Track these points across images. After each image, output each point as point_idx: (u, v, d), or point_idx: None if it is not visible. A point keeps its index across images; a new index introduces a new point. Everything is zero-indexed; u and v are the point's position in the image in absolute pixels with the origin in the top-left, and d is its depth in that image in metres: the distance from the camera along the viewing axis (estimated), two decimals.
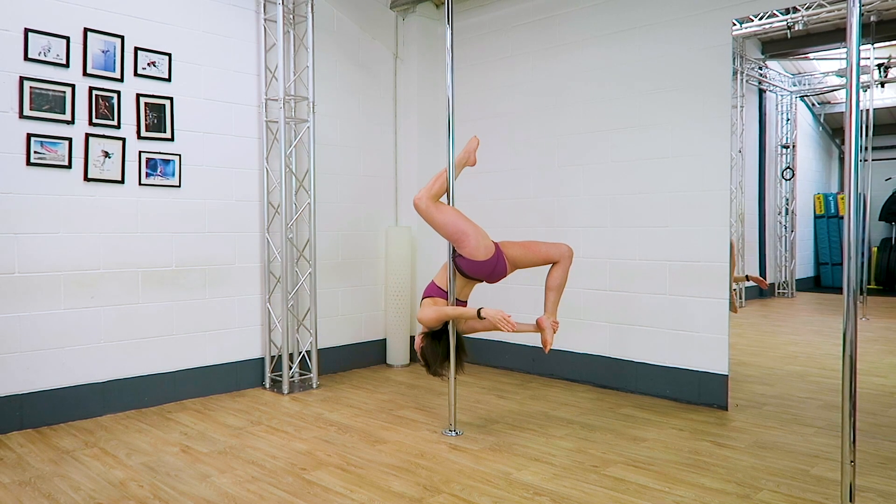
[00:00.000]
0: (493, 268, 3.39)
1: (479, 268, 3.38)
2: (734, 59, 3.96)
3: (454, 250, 3.42)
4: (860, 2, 2.17)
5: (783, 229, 5.38)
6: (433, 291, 3.50)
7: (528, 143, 4.87)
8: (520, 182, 4.92)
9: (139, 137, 3.93)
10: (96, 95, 3.76)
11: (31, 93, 3.53)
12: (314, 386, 4.51)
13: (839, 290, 2.22)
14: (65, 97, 3.64)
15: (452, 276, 3.43)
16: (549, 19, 4.73)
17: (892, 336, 5.43)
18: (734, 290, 4.67)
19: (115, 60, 3.83)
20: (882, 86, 4.86)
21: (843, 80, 5.14)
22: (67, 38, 3.65)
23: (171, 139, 4.07)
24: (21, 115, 3.51)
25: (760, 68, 5.08)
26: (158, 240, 4.03)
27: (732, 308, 4.09)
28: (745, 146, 4.86)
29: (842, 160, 5.70)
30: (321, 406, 4.05)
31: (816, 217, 5.82)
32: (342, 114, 5.03)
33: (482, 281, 3.51)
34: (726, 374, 3.89)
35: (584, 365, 4.56)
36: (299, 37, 4.61)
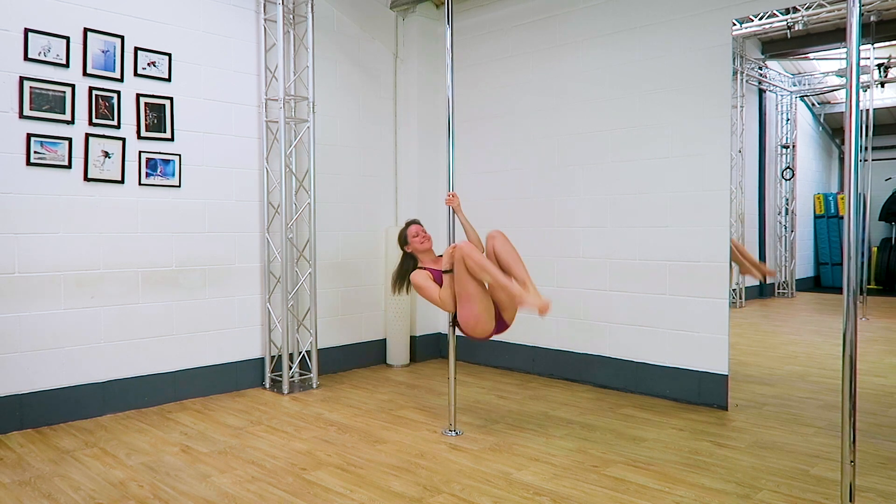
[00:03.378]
0: (497, 333, 3.50)
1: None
2: (734, 59, 3.96)
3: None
4: (860, 2, 2.17)
5: (783, 229, 5.38)
6: (435, 272, 3.58)
7: (528, 143, 4.87)
8: (520, 182, 4.92)
9: (139, 137, 3.93)
10: (96, 95, 3.76)
11: (31, 93, 3.53)
12: (314, 386, 4.51)
13: (839, 290, 2.22)
14: (65, 97, 3.64)
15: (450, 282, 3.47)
16: (549, 19, 4.73)
17: (892, 336, 5.43)
18: (734, 288, 4.67)
19: (115, 60, 3.83)
20: (882, 86, 4.86)
21: (843, 80, 5.14)
22: (67, 38, 3.65)
23: (171, 139, 4.07)
24: (21, 115, 3.51)
25: (760, 68, 5.08)
26: (158, 240, 4.03)
27: (763, 276, 4.10)
28: (745, 146, 4.86)
29: (842, 160, 5.70)
30: (321, 406, 4.05)
31: (816, 217, 5.82)
32: (342, 114, 5.03)
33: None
34: (726, 374, 3.89)
35: (584, 365, 4.56)
36: (299, 37, 4.61)
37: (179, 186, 4.11)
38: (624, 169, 4.33)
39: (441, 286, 3.48)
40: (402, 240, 3.73)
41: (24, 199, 3.54)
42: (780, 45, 4.64)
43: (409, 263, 3.72)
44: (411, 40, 5.37)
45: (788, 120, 5.30)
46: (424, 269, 3.62)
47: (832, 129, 5.73)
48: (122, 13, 3.86)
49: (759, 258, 5.28)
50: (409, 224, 3.76)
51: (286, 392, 4.34)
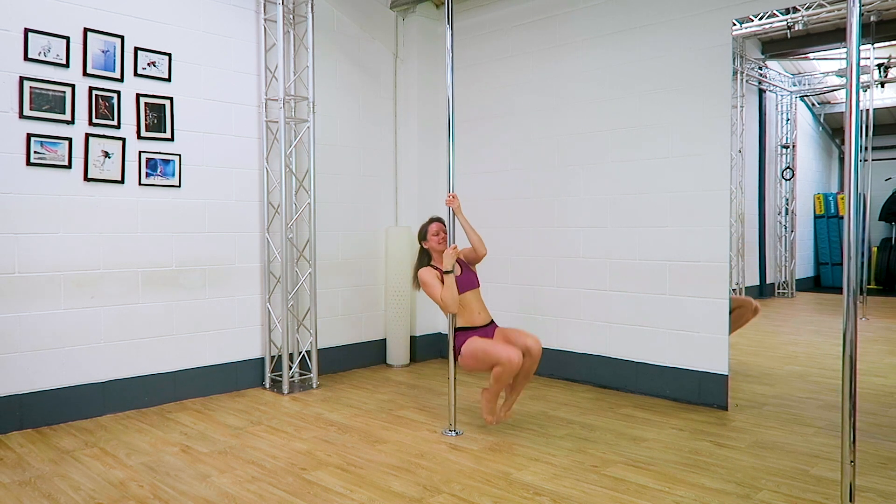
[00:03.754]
0: None
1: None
2: (734, 59, 3.96)
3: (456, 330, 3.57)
4: (860, 2, 2.17)
5: (783, 229, 5.37)
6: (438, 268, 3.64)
7: (528, 143, 4.87)
8: (520, 182, 4.92)
9: (139, 137, 3.93)
10: (96, 95, 3.76)
11: (31, 93, 3.53)
12: (314, 386, 4.51)
13: (839, 290, 2.22)
14: (65, 97, 3.64)
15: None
16: (549, 19, 4.73)
17: (892, 336, 5.43)
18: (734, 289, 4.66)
19: (115, 60, 3.83)
20: (882, 86, 4.86)
21: (843, 80, 5.14)
22: (67, 38, 3.65)
23: (171, 139, 4.07)
24: (21, 115, 3.51)
25: (760, 68, 5.08)
26: (158, 240, 4.03)
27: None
28: (745, 146, 4.86)
29: (842, 160, 5.70)
30: (321, 406, 4.05)
31: (816, 217, 5.82)
32: (342, 114, 5.03)
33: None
34: (726, 374, 3.89)
35: (584, 365, 4.56)
36: (299, 37, 4.61)
37: (179, 186, 4.11)
38: (624, 169, 4.33)
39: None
40: (422, 235, 3.75)
41: (24, 199, 3.54)
42: (780, 45, 4.64)
43: (423, 259, 3.74)
44: (411, 40, 5.37)
45: (788, 120, 5.29)
46: (436, 268, 3.63)
47: (832, 129, 5.73)
48: (122, 13, 3.86)
49: (760, 258, 5.28)
50: (431, 220, 3.76)
51: (286, 392, 4.34)
